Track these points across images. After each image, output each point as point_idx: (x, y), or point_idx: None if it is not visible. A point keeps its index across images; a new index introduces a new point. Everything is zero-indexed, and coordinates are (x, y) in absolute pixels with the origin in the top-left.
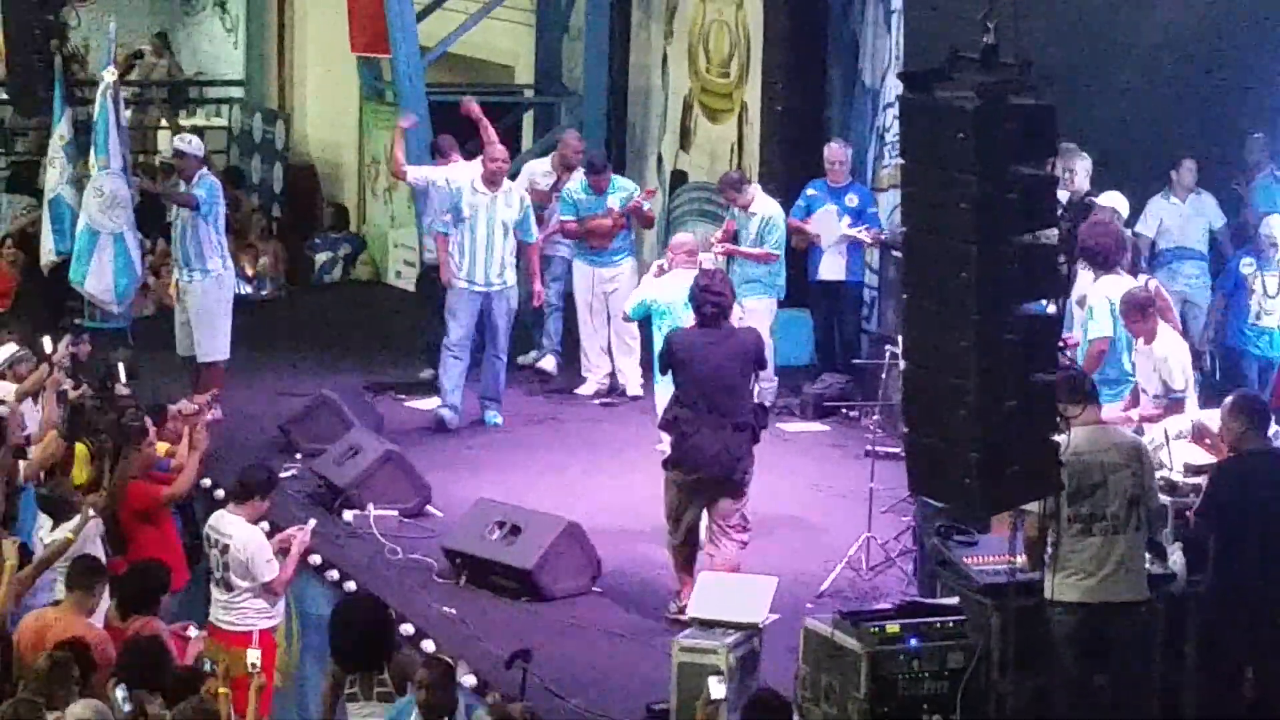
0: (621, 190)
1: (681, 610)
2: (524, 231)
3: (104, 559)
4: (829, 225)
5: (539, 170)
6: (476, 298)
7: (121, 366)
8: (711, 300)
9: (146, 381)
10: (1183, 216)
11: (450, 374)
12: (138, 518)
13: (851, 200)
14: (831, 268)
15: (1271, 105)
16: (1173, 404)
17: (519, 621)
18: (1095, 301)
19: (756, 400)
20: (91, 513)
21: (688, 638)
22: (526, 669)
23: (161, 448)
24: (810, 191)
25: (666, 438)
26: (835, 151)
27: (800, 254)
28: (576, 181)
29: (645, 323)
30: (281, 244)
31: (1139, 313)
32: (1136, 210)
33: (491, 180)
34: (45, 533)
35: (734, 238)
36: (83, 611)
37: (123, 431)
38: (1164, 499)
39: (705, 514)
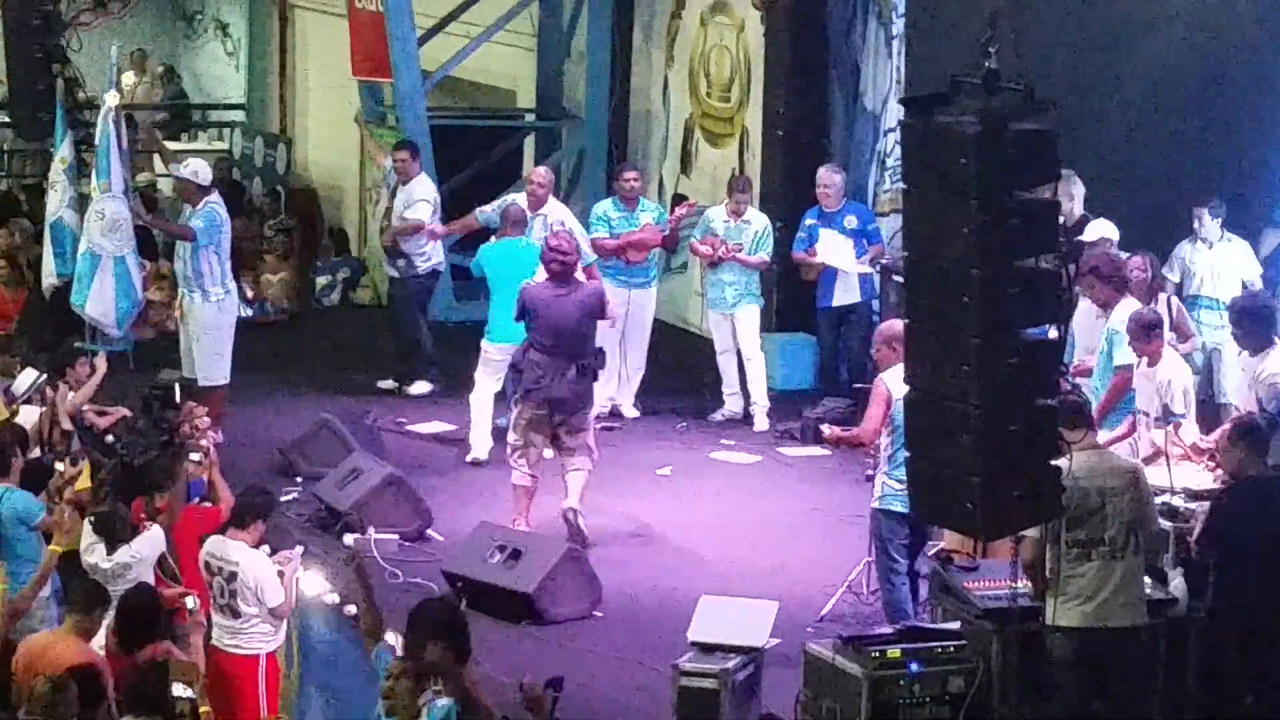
0: (650, 210)
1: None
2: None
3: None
4: (837, 249)
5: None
6: None
7: (177, 387)
8: (559, 259)
9: None
10: (1209, 264)
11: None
12: (197, 541)
13: (850, 222)
14: (846, 293)
15: (1275, 132)
16: (1172, 427)
17: (519, 645)
18: (1118, 328)
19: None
20: (159, 532)
21: (689, 662)
22: (557, 698)
23: None
24: (809, 221)
25: (669, 467)
26: (825, 177)
27: (810, 284)
28: (608, 201)
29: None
30: (289, 267)
31: (1145, 333)
32: (1128, 236)
33: (531, 203)
34: (97, 557)
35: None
36: (81, 636)
37: (176, 453)
38: (1164, 524)
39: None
